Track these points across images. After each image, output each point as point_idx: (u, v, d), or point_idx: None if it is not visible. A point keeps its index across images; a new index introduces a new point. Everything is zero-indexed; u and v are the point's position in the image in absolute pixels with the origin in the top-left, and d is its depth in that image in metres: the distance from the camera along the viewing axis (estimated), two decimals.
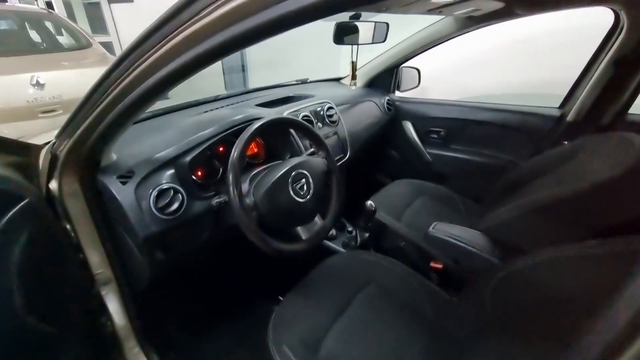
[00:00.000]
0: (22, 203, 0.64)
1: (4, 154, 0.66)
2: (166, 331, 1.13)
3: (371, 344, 0.78)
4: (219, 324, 1.21)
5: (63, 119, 0.67)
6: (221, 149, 0.88)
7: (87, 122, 0.62)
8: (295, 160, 0.84)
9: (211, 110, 1.09)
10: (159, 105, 0.93)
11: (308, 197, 0.83)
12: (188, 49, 0.45)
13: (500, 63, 1.69)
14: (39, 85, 1.91)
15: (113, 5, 4.02)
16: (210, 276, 1.38)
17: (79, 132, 0.64)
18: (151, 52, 0.48)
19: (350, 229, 1.28)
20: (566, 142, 1.19)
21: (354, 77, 1.56)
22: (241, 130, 0.82)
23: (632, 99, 1.14)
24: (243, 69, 3.42)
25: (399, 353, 0.76)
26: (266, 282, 1.36)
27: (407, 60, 1.55)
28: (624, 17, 1.02)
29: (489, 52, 1.69)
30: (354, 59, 1.47)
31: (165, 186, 0.76)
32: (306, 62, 2.89)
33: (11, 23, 2.42)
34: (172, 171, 0.79)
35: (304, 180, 0.83)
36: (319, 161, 0.90)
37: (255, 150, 1.02)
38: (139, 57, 0.50)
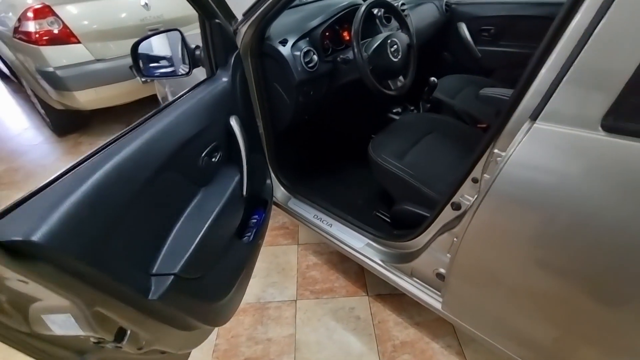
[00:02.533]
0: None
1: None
2: (290, 164, 1.60)
3: (436, 159, 1.21)
4: (329, 162, 1.71)
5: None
6: (337, 27, 1.27)
7: (259, 12, 0.99)
8: (390, 32, 1.21)
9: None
10: None
11: (398, 58, 1.21)
12: None
13: None
14: (147, 6, 2.32)
15: None
16: (327, 124, 1.85)
17: (254, 17, 1.01)
18: None
19: (412, 107, 1.67)
20: None
21: None
22: (351, 13, 1.19)
23: None
24: None
25: (453, 166, 1.18)
26: (363, 129, 1.77)
27: None
28: None
29: None
30: None
31: (306, 49, 1.17)
32: None
33: None
34: (308, 39, 1.19)
35: (395, 46, 1.20)
36: (404, 35, 1.26)
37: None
38: None
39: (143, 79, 2.38)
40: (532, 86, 0.60)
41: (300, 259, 1.58)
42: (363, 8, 1.12)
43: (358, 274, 1.48)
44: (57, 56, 2.11)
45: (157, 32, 1.07)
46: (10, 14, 2.13)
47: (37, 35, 2.04)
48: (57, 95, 2.25)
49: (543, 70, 0.59)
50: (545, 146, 0.59)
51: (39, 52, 2.08)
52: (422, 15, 1.73)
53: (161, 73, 1.13)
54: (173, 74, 1.13)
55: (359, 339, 1.25)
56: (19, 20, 2.07)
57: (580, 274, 0.63)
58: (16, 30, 2.11)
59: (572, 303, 0.67)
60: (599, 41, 0.52)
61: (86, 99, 2.26)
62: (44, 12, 2.03)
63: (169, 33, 1.08)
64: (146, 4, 2.32)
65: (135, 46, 1.02)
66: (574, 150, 0.57)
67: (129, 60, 2.42)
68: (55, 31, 2.08)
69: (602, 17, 0.50)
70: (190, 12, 2.74)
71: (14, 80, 2.98)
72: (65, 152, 2.57)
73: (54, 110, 2.50)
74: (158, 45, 1.15)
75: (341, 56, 1.21)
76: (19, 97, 3.55)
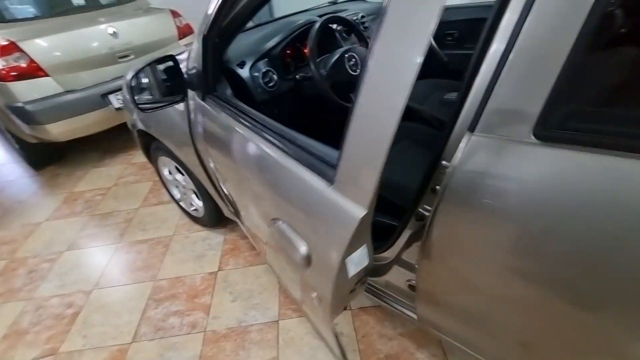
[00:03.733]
0: None
1: None
2: None
3: (405, 168, 1.21)
4: None
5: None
6: (297, 44, 1.28)
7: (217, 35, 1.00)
8: (347, 46, 1.22)
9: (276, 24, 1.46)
10: None
11: (357, 72, 1.22)
12: None
13: None
14: (115, 35, 2.32)
15: None
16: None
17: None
18: None
19: None
20: None
21: None
22: (306, 31, 1.20)
23: None
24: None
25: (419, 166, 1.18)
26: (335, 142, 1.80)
27: None
28: None
29: None
30: None
31: (264, 69, 1.17)
32: None
33: None
34: (267, 59, 1.19)
35: (354, 60, 1.21)
36: (362, 48, 1.27)
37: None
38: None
39: (117, 107, 2.37)
40: (469, 97, 0.61)
41: None
42: (317, 25, 1.13)
43: None
44: (25, 91, 2.09)
45: (149, 63, 1.04)
46: None
47: (3, 72, 2.02)
48: (29, 130, 2.22)
49: (478, 80, 0.60)
50: (484, 157, 0.59)
51: (6, 88, 2.06)
52: None
53: (158, 105, 1.08)
54: (171, 103, 1.09)
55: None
56: None
57: (532, 275, 0.63)
58: None
59: (530, 303, 0.67)
60: (520, 54, 0.53)
61: (58, 131, 2.23)
62: (9, 49, 2.02)
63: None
64: (114, 32, 2.32)
65: (129, 83, 1.02)
66: (511, 161, 0.57)
67: (100, 89, 2.42)
68: (23, 66, 2.06)
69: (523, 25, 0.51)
70: (158, 37, 2.75)
71: None
72: (42, 185, 2.53)
73: (28, 145, 2.47)
74: (147, 76, 1.13)
75: (301, 74, 1.22)
76: None
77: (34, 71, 2.09)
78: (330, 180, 0.70)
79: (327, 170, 0.72)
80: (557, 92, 0.51)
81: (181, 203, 1.94)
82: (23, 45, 2.05)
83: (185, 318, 1.43)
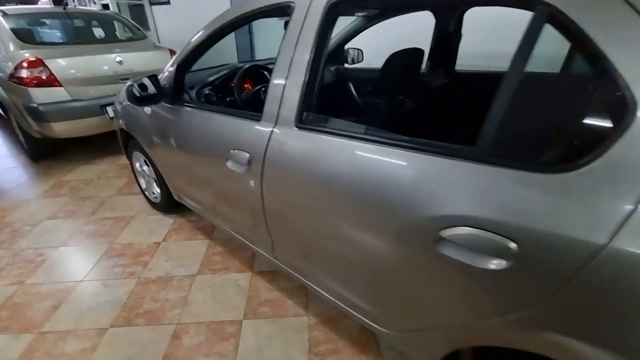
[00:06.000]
0: None
1: None
2: None
3: None
4: None
5: None
6: (231, 83, 1.89)
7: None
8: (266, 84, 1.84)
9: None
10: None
11: None
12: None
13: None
14: (121, 62, 2.99)
15: (154, 7, 5.11)
16: None
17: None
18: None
19: None
20: None
21: None
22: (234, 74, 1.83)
23: None
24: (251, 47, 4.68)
25: None
26: None
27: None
28: None
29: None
30: None
31: (206, 92, 1.76)
32: None
33: (95, 21, 3.51)
34: (210, 87, 1.80)
35: (264, 89, 1.82)
36: None
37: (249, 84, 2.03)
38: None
39: (111, 117, 2.96)
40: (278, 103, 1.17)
41: (208, 250, 2.02)
42: (242, 70, 1.75)
43: (250, 257, 1.93)
44: (41, 95, 2.69)
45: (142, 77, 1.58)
46: (10, 63, 2.74)
47: (27, 79, 2.64)
48: (37, 126, 2.78)
49: (276, 92, 1.16)
50: (281, 136, 1.14)
51: (27, 91, 2.66)
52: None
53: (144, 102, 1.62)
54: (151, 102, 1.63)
55: (236, 298, 1.66)
56: (15, 68, 2.67)
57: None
58: (11, 75, 2.71)
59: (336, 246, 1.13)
60: (290, 84, 1.10)
61: (60, 129, 2.79)
62: (35, 64, 2.65)
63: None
64: (120, 61, 3.00)
65: (129, 87, 1.55)
66: (288, 138, 1.12)
67: (101, 101, 3.04)
68: (43, 77, 2.68)
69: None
70: (154, 67, 3.47)
71: (3, 116, 3.52)
72: (36, 173, 3.03)
73: (33, 139, 3.02)
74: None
75: (231, 97, 1.81)
76: (4, 131, 4.07)
77: (51, 82, 2.70)
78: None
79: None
80: (301, 104, 1.07)
81: (146, 192, 2.44)
82: (47, 62, 2.69)
83: (127, 269, 1.87)
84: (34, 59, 2.66)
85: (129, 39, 3.56)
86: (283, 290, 1.71)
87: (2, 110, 3.33)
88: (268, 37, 4.63)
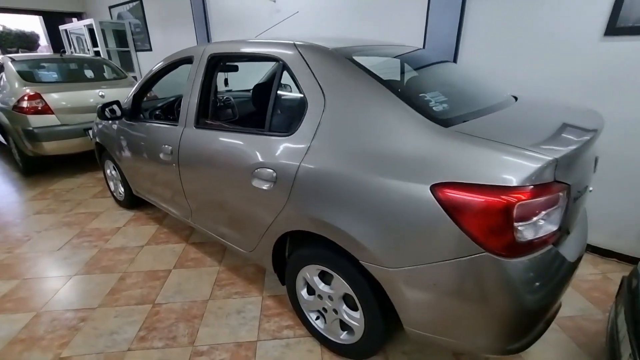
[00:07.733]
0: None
1: None
2: None
3: None
4: None
5: None
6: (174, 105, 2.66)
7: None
8: None
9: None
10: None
11: None
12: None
13: None
14: (102, 96, 3.77)
15: (138, 53, 6.05)
16: None
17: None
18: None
19: None
20: None
21: None
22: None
23: None
24: None
25: None
26: None
27: None
28: None
29: None
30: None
31: (156, 113, 2.51)
32: None
33: (87, 64, 4.34)
34: (159, 110, 2.55)
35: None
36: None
37: None
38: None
39: (92, 137, 3.67)
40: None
41: (157, 231, 2.66)
42: (177, 97, 2.52)
43: (187, 234, 2.57)
44: (36, 121, 3.41)
45: (110, 102, 2.38)
46: (13, 98, 3.48)
47: (26, 109, 3.37)
48: (31, 145, 3.47)
49: (185, 106, 1.91)
50: (188, 136, 1.87)
51: (25, 118, 3.38)
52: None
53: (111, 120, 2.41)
54: (116, 119, 2.41)
55: (170, 258, 2.29)
56: (18, 100, 3.41)
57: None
58: (14, 106, 3.44)
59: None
60: (186, 90, 1.86)
61: (50, 147, 3.49)
62: (34, 97, 3.40)
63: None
64: (102, 95, 3.78)
65: (99, 109, 2.32)
66: (191, 136, 1.84)
67: (84, 126, 3.82)
68: (39, 107, 3.42)
69: None
70: None
71: (3, 143, 4.21)
72: (27, 184, 3.67)
73: (27, 156, 3.69)
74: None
75: (169, 114, 2.56)
76: (1, 155, 4.73)
77: (45, 110, 3.44)
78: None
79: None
80: (198, 113, 1.82)
81: (114, 193, 3.10)
82: (44, 95, 3.44)
83: (92, 243, 2.49)
84: (33, 93, 3.41)
85: (114, 79, 4.37)
86: (207, 253, 2.35)
87: (3, 136, 4.02)
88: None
